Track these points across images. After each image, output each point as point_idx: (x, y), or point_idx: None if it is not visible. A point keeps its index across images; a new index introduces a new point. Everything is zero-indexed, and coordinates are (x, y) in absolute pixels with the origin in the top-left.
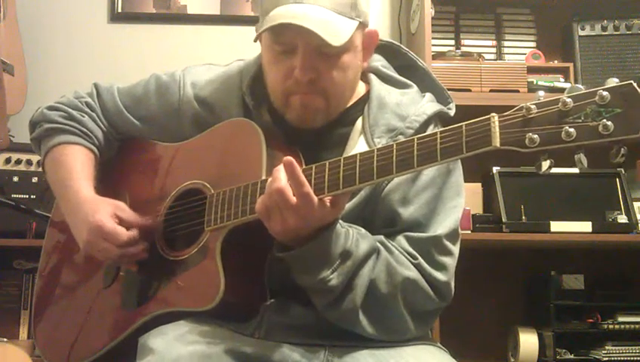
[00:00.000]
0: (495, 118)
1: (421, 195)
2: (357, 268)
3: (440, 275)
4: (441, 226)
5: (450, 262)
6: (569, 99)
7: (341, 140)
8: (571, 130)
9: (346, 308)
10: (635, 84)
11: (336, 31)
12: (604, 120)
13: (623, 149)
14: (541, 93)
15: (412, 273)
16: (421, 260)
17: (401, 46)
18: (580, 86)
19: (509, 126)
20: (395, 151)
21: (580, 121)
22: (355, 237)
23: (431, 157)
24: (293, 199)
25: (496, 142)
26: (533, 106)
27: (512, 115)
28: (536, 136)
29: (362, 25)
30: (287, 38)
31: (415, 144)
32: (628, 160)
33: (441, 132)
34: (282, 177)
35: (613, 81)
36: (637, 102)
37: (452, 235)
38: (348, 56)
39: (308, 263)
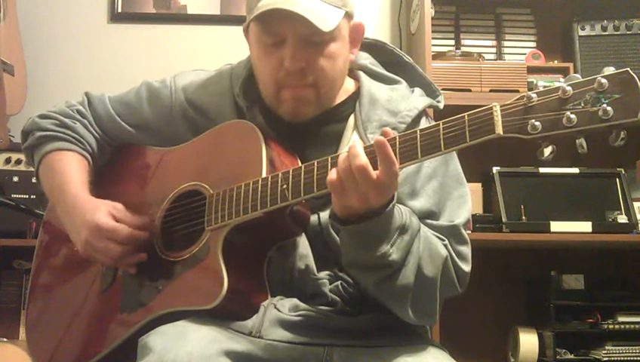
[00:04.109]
0: (497, 106)
1: (427, 186)
2: (412, 242)
3: (463, 265)
4: (456, 215)
5: (469, 251)
6: (568, 87)
7: (335, 137)
8: (572, 115)
9: (400, 284)
10: (631, 71)
11: (323, 17)
12: (604, 105)
13: (622, 133)
14: (540, 82)
15: (446, 252)
16: (447, 241)
17: (387, 43)
18: (577, 75)
19: (510, 114)
20: (398, 143)
21: (580, 107)
22: (406, 211)
23: (434, 147)
24: (374, 175)
25: (499, 129)
26: (534, 95)
27: (514, 104)
28: (538, 122)
29: (348, 15)
30: (276, 27)
31: (418, 135)
32: (628, 160)
33: (444, 122)
34: (362, 153)
35: (610, 70)
36: (634, 88)
37: (466, 225)
38: (336, 45)
39: (371, 237)
